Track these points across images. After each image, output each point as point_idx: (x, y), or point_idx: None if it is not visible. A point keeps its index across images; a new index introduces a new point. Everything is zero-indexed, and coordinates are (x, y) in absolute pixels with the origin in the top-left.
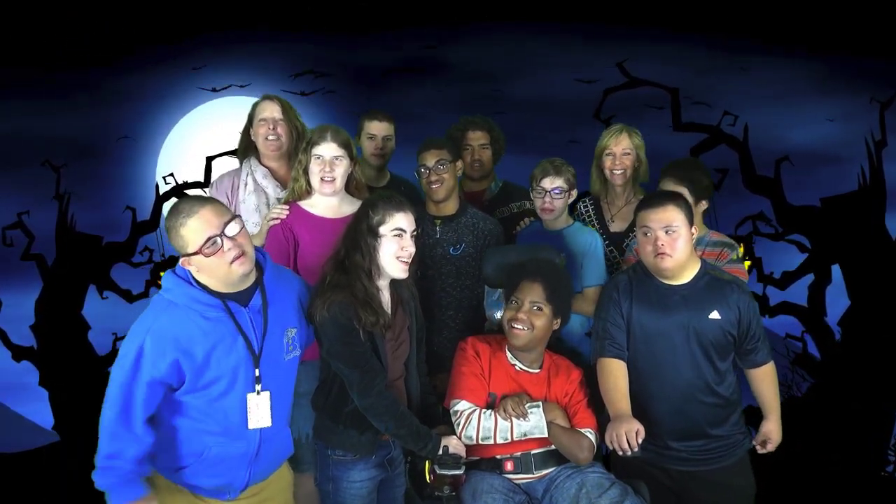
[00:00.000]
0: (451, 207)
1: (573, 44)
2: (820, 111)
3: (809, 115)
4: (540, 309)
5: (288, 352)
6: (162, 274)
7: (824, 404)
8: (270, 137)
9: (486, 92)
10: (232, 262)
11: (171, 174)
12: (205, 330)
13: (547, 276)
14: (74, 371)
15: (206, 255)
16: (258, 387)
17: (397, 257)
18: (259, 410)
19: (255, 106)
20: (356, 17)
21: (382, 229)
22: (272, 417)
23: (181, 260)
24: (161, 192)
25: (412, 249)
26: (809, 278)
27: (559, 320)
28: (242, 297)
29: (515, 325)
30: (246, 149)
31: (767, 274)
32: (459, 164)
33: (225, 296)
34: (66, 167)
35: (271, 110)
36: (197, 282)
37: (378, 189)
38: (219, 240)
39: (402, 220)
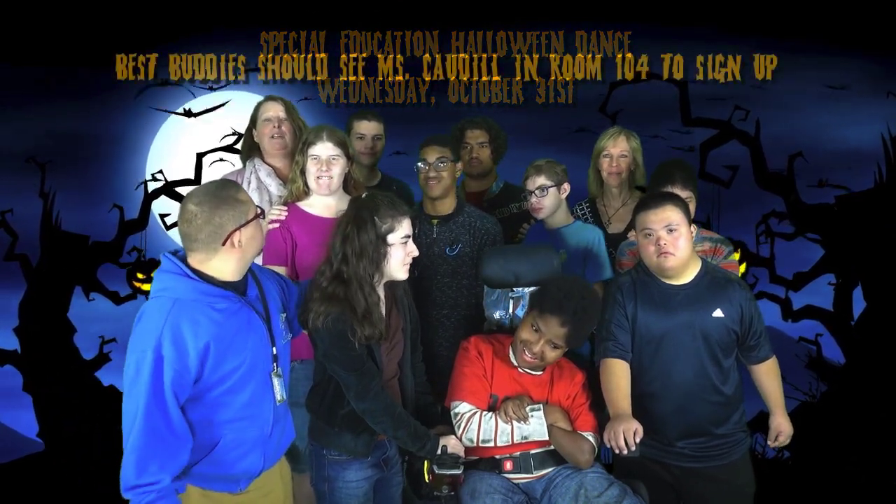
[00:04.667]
0: (448, 207)
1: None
2: (878, 111)
3: (866, 114)
4: (556, 347)
5: (284, 336)
6: (140, 276)
7: (841, 410)
8: (275, 136)
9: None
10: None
11: (161, 171)
12: (218, 321)
13: (577, 321)
14: (60, 375)
15: (264, 218)
16: (276, 364)
17: (404, 263)
18: (279, 388)
19: (258, 106)
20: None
21: (391, 238)
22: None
23: (236, 238)
24: (150, 189)
25: (416, 252)
26: (824, 279)
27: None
28: (239, 288)
29: (526, 353)
30: (250, 149)
31: (789, 277)
32: (460, 165)
33: (228, 286)
34: (51, 164)
35: (276, 110)
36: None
37: (370, 189)
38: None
39: (408, 226)
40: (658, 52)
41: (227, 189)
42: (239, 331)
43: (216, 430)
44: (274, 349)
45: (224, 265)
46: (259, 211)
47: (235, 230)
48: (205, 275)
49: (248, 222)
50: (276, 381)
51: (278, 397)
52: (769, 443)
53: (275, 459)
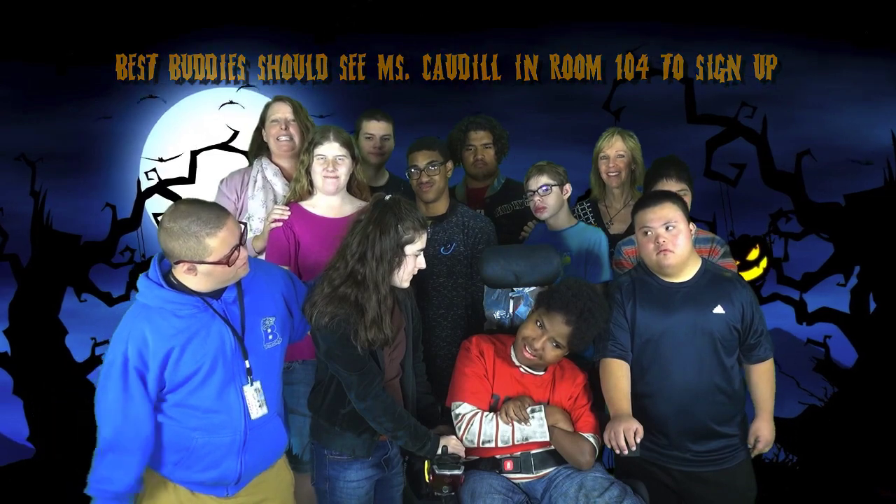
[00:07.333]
0: (441, 207)
1: (658, 44)
2: (887, 109)
3: (876, 113)
4: (558, 346)
5: (267, 340)
6: None
7: (849, 413)
8: (283, 138)
9: (569, 92)
10: (240, 267)
11: (154, 170)
12: (178, 328)
13: (582, 322)
14: (51, 378)
15: (231, 265)
16: (250, 377)
17: (411, 274)
18: (256, 400)
19: (266, 107)
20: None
21: (408, 248)
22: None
23: (185, 266)
24: (143, 188)
25: (424, 266)
26: (833, 279)
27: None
28: (214, 293)
29: (527, 349)
30: (258, 149)
31: (796, 277)
32: (450, 164)
33: (199, 294)
34: (42, 162)
35: (283, 111)
36: (168, 283)
37: (377, 189)
38: (237, 250)
39: (424, 241)
40: (658, 51)
41: (201, 225)
42: (198, 336)
43: (187, 434)
44: (247, 363)
45: (183, 278)
46: (224, 258)
47: (181, 262)
48: (175, 280)
49: (201, 262)
50: (249, 395)
51: (253, 412)
52: (750, 447)
53: (262, 467)
